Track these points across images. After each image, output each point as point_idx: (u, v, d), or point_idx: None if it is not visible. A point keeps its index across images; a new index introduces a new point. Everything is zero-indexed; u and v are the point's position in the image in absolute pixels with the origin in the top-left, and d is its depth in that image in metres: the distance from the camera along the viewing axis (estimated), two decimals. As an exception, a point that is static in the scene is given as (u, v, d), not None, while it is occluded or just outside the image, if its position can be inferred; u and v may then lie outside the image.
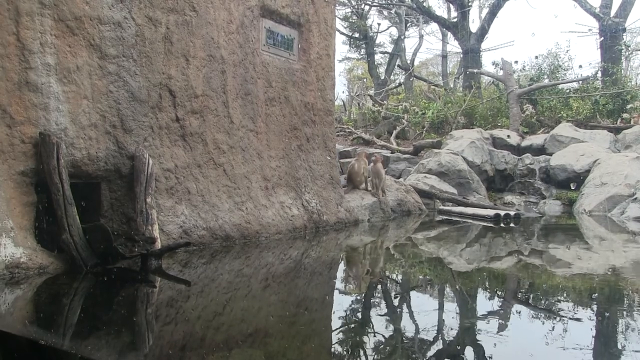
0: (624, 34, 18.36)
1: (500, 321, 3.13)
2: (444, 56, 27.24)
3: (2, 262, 3.61)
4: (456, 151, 11.41)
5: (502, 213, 8.44)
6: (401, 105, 17.57)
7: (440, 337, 2.81)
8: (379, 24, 29.91)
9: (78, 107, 4.36)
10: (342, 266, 5.10)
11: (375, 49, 28.40)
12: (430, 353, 2.60)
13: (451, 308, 3.56)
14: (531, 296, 3.80)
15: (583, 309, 3.43)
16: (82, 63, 4.37)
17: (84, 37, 4.38)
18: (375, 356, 2.55)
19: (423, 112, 16.46)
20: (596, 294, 3.83)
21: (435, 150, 11.81)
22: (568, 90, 16.32)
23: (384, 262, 5.27)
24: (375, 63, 27.98)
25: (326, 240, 6.23)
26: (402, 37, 26.62)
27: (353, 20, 26.78)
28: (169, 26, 5.06)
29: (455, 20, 22.00)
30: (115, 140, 4.64)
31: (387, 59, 28.46)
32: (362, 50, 29.28)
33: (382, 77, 26.47)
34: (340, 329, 2.98)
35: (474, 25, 21.97)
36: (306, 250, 5.64)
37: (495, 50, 36.03)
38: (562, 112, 14.43)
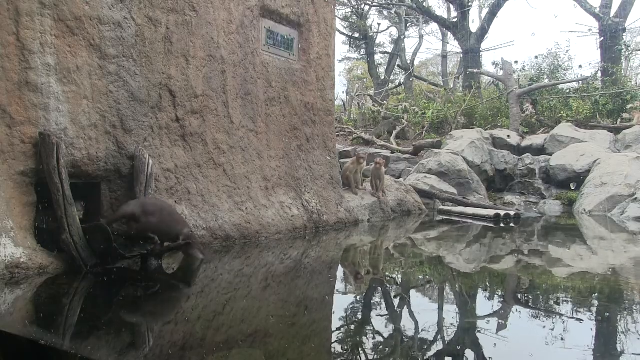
0: (624, 34, 18.38)
1: (500, 321, 3.13)
2: (444, 56, 27.26)
3: (2, 262, 3.61)
4: (456, 151, 11.41)
5: (502, 213, 8.44)
6: (401, 105, 17.57)
7: (440, 337, 2.81)
8: (379, 24, 29.95)
9: (78, 107, 4.36)
10: (342, 266, 5.10)
11: (375, 49, 28.42)
12: (430, 353, 2.60)
13: (451, 308, 3.55)
14: (531, 296, 3.80)
15: (583, 309, 3.42)
16: (82, 63, 4.37)
17: (84, 37, 4.38)
18: (375, 356, 2.55)
19: (423, 112, 16.46)
20: (596, 294, 3.83)
21: (435, 150, 11.81)
22: (568, 90, 16.32)
23: (384, 262, 5.27)
24: (375, 63, 27.99)
25: (326, 240, 6.23)
26: (402, 37, 26.63)
27: (353, 20, 26.79)
28: (169, 26, 5.06)
29: (455, 20, 22.01)
30: (115, 140, 4.64)
31: (387, 59, 28.47)
32: (362, 50, 29.30)
33: (382, 77, 26.48)
34: (340, 329, 2.98)
35: (474, 25, 22.02)
36: (306, 250, 5.64)
37: (495, 50, 36.06)
38: (562, 112, 14.43)
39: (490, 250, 5.90)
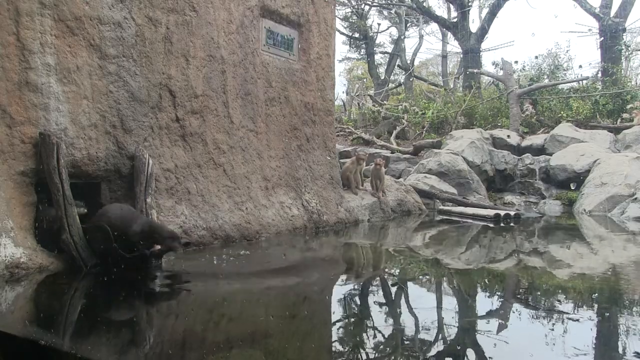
0: (624, 34, 18.38)
1: (500, 321, 3.13)
2: (444, 56, 27.26)
3: (2, 262, 3.61)
4: (456, 151, 11.41)
5: (502, 213, 8.44)
6: (401, 105, 17.57)
7: (440, 337, 2.80)
8: (379, 24, 29.96)
9: (78, 107, 4.36)
10: (341, 265, 5.10)
11: (375, 49, 28.43)
12: (430, 353, 2.60)
13: (451, 307, 3.55)
14: (531, 296, 3.80)
15: (583, 309, 3.42)
16: (82, 63, 4.37)
17: (84, 37, 4.38)
18: (375, 355, 2.55)
19: (423, 112, 16.46)
20: (596, 294, 3.83)
21: (435, 150, 11.81)
22: (568, 90, 16.32)
23: (383, 261, 5.27)
24: (375, 63, 28.00)
25: (326, 240, 6.23)
26: (402, 37, 26.64)
27: (353, 20, 26.80)
28: (169, 26, 5.06)
29: (455, 20, 22.01)
30: (115, 140, 4.64)
31: (387, 59, 28.48)
32: (362, 50, 29.31)
33: (382, 77, 26.49)
34: (340, 328, 2.98)
35: (474, 25, 22.01)
36: (306, 250, 5.64)
37: (495, 50, 35.99)
38: (562, 112, 14.43)
39: (490, 250, 5.90)
